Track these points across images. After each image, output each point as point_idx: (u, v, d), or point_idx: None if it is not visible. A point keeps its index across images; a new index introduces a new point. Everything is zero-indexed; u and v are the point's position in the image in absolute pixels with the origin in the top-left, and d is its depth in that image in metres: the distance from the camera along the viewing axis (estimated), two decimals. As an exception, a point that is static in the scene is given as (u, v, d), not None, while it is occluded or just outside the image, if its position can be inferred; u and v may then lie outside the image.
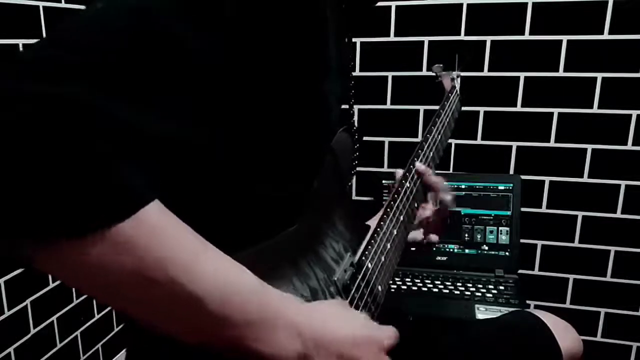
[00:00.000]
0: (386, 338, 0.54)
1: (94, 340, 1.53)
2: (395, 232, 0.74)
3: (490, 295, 1.28)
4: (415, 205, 0.81)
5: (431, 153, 0.87)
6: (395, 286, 1.34)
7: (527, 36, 1.43)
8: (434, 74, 1.10)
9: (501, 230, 1.41)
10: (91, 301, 1.51)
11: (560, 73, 1.43)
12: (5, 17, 1.16)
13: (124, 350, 1.64)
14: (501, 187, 1.42)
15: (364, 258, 0.65)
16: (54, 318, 1.37)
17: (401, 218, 0.76)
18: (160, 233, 0.40)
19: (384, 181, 1.51)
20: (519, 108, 1.48)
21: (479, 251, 1.42)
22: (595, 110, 1.43)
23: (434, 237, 0.87)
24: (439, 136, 0.91)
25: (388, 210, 0.74)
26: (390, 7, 1.51)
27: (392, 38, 1.53)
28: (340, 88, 0.62)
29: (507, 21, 1.44)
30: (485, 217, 1.42)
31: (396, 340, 0.55)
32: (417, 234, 0.87)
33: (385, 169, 1.62)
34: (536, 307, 1.56)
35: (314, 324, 0.48)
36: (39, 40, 0.40)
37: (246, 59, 0.46)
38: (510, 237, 1.41)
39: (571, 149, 1.47)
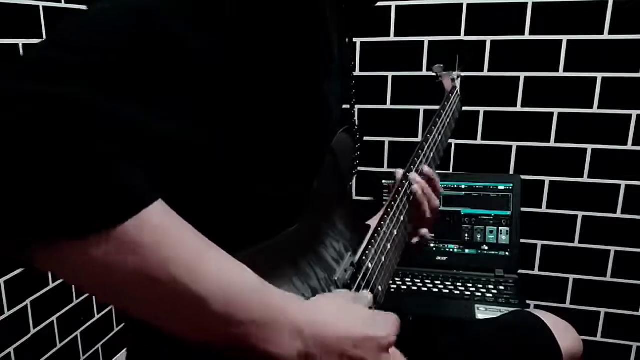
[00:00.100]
0: (387, 335, 0.53)
1: (94, 340, 1.53)
2: (395, 232, 0.74)
3: (490, 295, 1.28)
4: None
5: (431, 153, 0.87)
6: (395, 286, 1.34)
7: (527, 36, 1.43)
8: (434, 74, 1.10)
9: (501, 230, 1.41)
10: (91, 301, 1.51)
11: (560, 73, 1.43)
12: (5, 17, 1.16)
13: (124, 350, 1.64)
14: (501, 187, 1.42)
15: (364, 258, 0.66)
16: (54, 318, 1.37)
17: (401, 218, 0.76)
18: (163, 233, 0.40)
19: (384, 181, 1.51)
20: (519, 108, 1.48)
21: (479, 251, 1.42)
22: (595, 110, 1.43)
23: (424, 231, 0.84)
24: (440, 136, 0.91)
25: (388, 210, 0.74)
26: (390, 7, 1.51)
27: (392, 38, 1.53)
28: (340, 88, 0.62)
29: (507, 21, 1.44)
30: (485, 217, 1.42)
31: (397, 331, 0.55)
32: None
33: (385, 169, 1.62)
34: (536, 307, 1.56)
35: (316, 323, 0.48)
36: (41, 41, 0.40)
37: (246, 59, 0.46)
38: (510, 237, 1.41)
39: (571, 149, 1.47)
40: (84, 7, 1.36)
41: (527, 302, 1.47)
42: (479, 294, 1.28)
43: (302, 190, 0.57)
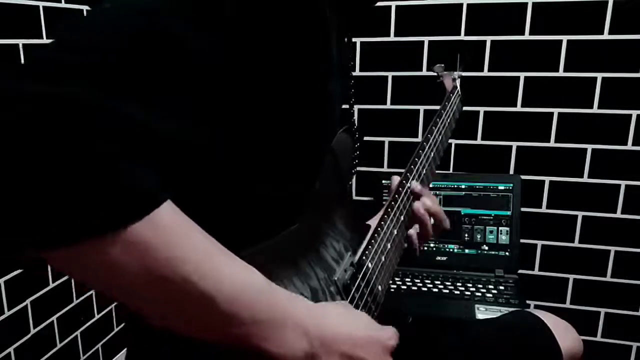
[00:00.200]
0: (389, 339, 0.54)
1: (94, 340, 1.53)
2: (395, 232, 0.74)
3: (490, 295, 1.28)
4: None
5: (432, 153, 0.87)
6: (395, 286, 1.34)
7: (527, 36, 1.43)
8: (434, 74, 1.10)
9: (501, 230, 1.41)
10: (91, 301, 1.51)
11: (560, 73, 1.43)
12: (5, 17, 1.16)
13: (124, 350, 1.64)
14: (501, 187, 1.42)
15: (364, 258, 0.66)
16: (54, 318, 1.37)
17: (401, 218, 0.76)
18: (173, 233, 0.40)
19: (384, 181, 1.51)
20: (519, 108, 1.48)
21: (479, 251, 1.42)
22: (595, 110, 1.43)
23: (411, 231, 0.81)
24: (440, 136, 0.91)
25: (388, 210, 0.74)
26: (390, 7, 1.51)
27: (392, 38, 1.53)
28: (340, 88, 0.62)
29: (507, 21, 1.44)
30: (485, 217, 1.42)
31: (397, 341, 0.56)
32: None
33: (385, 169, 1.62)
34: (536, 307, 1.56)
35: (322, 325, 0.49)
36: (46, 46, 0.40)
37: (246, 59, 0.46)
38: (510, 237, 1.41)
39: (571, 149, 1.47)
40: (84, 7, 1.36)
41: (527, 302, 1.47)
42: (479, 294, 1.28)
43: (303, 190, 0.57)
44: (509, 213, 1.41)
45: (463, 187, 1.44)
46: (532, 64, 1.45)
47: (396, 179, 0.81)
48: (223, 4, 0.45)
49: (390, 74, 1.56)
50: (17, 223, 0.35)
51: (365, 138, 1.61)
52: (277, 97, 0.50)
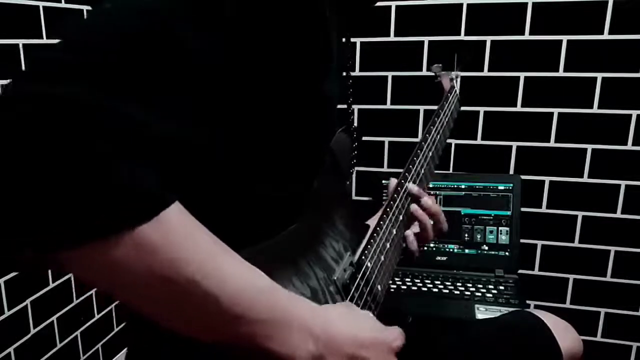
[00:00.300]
0: (394, 340, 0.55)
1: (94, 340, 1.53)
2: (394, 231, 0.74)
3: (490, 295, 1.28)
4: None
5: (430, 153, 0.87)
6: (395, 286, 1.34)
7: (527, 36, 1.43)
8: (433, 74, 1.10)
9: (501, 230, 1.41)
10: (91, 301, 1.51)
11: (560, 73, 1.43)
12: (5, 17, 1.16)
13: (124, 350, 1.64)
14: (501, 187, 1.42)
15: (363, 257, 0.66)
16: (54, 318, 1.37)
17: (400, 217, 0.76)
18: (181, 234, 0.40)
19: (383, 181, 1.51)
20: (519, 108, 1.48)
21: (479, 251, 1.42)
22: (595, 110, 1.43)
23: (410, 237, 0.80)
24: (438, 136, 0.91)
25: (387, 210, 0.74)
26: (390, 7, 1.51)
27: (392, 38, 1.53)
28: (339, 88, 0.62)
29: (507, 21, 1.44)
30: (485, 217, 1.42)
31: (403, 341, 0.56)
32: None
33: (385, 169, 1.62)
34: (536, 307, 1.56)
35: (327, 326, 0.49)
36: (49, 47, 0.41)
37: (246, 59, 0.46)
38: (510, 237, 1.41)
39: (571, 149, 1.47)
40: (84, 7, 1.37)
41: (527, 302, 1.47)
42: (479, 294, 1.28)
43: (302, 190, 0.57)
44: (509, 213, 1.41)
45: (463, 187, 1.44)
46: (532, 64, 1.45)
47: (394, 181, 0.81)
48: (223, 4, 0.45)
49: (390, 74, 1.56)
50: (22, 224, 0.35)
51: (365, 138, 1.61)
52: (277, 97, 0.50)
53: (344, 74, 0.73)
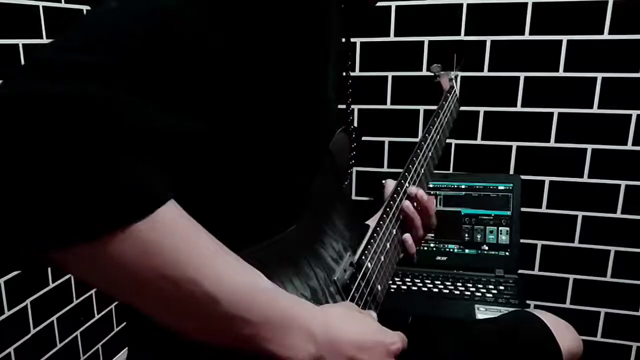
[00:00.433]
0: (394, 343, 0.54)
1: (94, 340, 1.53)
2: (394, 231, 0.74)
3: (490, 295, 1.28)
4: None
5: (429, 153, 0.87)
6: (395, 286, 1.34)
7: (527, 36, 1.43)
8: (432, 74, 1.10)
9: (501, 230, 1.41)
10: (91, 301, 1.51)
11: (560, 73, 1.43)
12: (5, 17, 1.16)
13: (124, 350, 1.64)
14: (501, 187, 1.42)
15: (363, 257, 0.65)
16: (54, 318, 1.37)
17: (400, 217, 0.76)
18: (176, 233, 0.40)
19: (383, 181, 1.51)
20: (519, 108, 1.48)
21: (479, 251, 1.42)
22: (595, 110, 1.43)
23: (408, 241, 0.79)
24: (437, 136, 0.91)
25: (387, 209, 0.74)
26: (390, 7, 1.51)
27: (392, 38, 1.53)
28: (338, 88, 0.62)
29: (507, 21, 1.44)
30: (485, 217, 1.42)
31: (404, 345, 0.56)
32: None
33: (385, 169, 1.62)
34: (536, 307, 1.56)
35: (327, 328, 0.49)
36: (53, 41, 0.41)
37: (248, 58, 0.47)
38: (510, 237, 1.41)
39: (571, 149, 1.47)
40: (84, 7, 1.37)
41: (527, 302, 1.47)
42: (479, 294, 1.28)
43: (302, 190, 0.57)
44: (509, 213, 1.41)
45: (463, 187, 1.44)
46: (532, 64, 1.45)
47: (390, 182, 0.81)
48: (227, 3, 0.45)
49: (390, 74, 1.56)
50: (15, 223, 0.35)
51: (365, 138, 1.61)
52: (276, 96, 0.50)
53: (344, 74, 0.73)
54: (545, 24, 1.41)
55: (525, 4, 1.42)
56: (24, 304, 1.27)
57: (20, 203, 0.35)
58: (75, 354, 1.46)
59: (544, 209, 1.52)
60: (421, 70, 1.53)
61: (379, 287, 0.67)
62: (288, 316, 0.46)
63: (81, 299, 1.46)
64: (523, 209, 1.46)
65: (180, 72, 0.42)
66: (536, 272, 1.55)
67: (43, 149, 0.35)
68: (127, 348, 0.56)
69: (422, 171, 0.83)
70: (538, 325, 0.88)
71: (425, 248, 1.44)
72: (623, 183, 1.45)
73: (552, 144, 1.48)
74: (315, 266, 0.57)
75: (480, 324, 1.03)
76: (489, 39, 1.46)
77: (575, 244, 1.51)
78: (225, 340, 0.44)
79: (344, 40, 0.69)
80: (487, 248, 1.42)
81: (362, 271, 0.64)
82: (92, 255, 0.37)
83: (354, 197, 1.66)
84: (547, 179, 1.50)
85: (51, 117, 0.35)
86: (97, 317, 1.53)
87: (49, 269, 1.34)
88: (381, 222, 0.71)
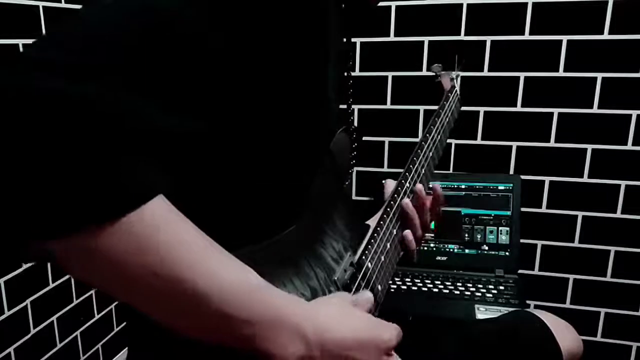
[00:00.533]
0: (388, 340, 0.54)
1: (94, 340, 1.53)
2: (395, 231, 0.74)
3: (490, 295, 1.28)
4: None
5: (430, 153, 0.87)
6: (395, 286, 1.34)
7: (527, 36, 1.43)
8: (433, 74, 1.10)
9: (501, 230, 1.41)
10: (91, 301, 1.51)
11: (560, 73, 1.43)
12: (5, 17, 1.16)
13: (124, 350, 1.64)
14: (501, 187, 1.42)
15: (363, 257, 0.65)
16: (54, 318, 1.37)
17: (401, 218, 0.76)
18: (164, 228, 0.40)
19: (383, 181, 1.51)
20: (519, 108, 1.48)
21: (479, 251, 1.42)
22: (595, 110, 1.43)
23: (408, 236, 0.78)
24: (438, 136, 0.91)
25: (388, 209, 0.74)
26: (390, 7, 1.51)
27: (392, 38, 1.53)
28: (338, 88, 0.62)
29: (507, 21, 1.44)
30: (485, 217, 1.42)
31: (399, 338, 0.55)
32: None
33: (385, 169, 1.62)
34: (536, 307, 1.56)
35: (319, 326, 0.48)
36: (45, 36, 0.40)
37: (247, 57, 0.47)
38: (510, 237, 1.41)
39: (571, 149, 1.47)
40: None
41: (527, 302, 1.47)
42: (479, 294, 1.28)
43: (302, 190, 0.57)
44: (509, 213, 1.41)
45: (463, 187, 1.44)
46: (532, 64, 1.45)
47: (390, 183, 0.81)
48: (225, 3, 0.45)
49: (390, 74, 1.56)
50: (11, 213, 0.36)
51: (365, 138, 1.61)
52: (275, 96, 0.50)
53: (345, 74, 0.73)
54: (545, 24, 1.41)
55: (525, 4, 1.42)
56: (24, 304, 1.27)
57: (10, 195, 0.35)
58: (75, 354, 1.46)
59: (544, 209, 1.52)
60: (421, 70, 1.53)
61: (379, 287, 0.67)
62: (279, 314, 0.46)
63: (81, 299, 1.46)
64: (523, 209, 1.46)
65: (181, 72, 0.42)
66: (536, 272, 1.55)
67: (38, 142, 0.35)
68: (127, 348, 0.56)
69: (423, 171, 0.83)
70: (538, 325, 0.88)
71: (425, 248, 1.44)
72: (623, 183, 1.45)
73: (552, 144, 1.48)
74: (316, 266, 0.57)
75: (480, 324, 1.03)
76: (489, 39, 1.46)
77: (575, 244, 1.51)
78: (216, 338, 0.44)
79: (344, 40, 0.69)
80: (487, 248, 1.42)
81: (362, 271, 0.64)
82: (81, 247, 0.37)
83: (354, 197, 1.66)
84: (547, 179, 1.50)
85: (48, 113, 0.35)
86: (97, 317, 1.53)
87: (49, 268, 1.34)
88: (381, 222, 0.71)
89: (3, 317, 1.22)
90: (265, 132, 0.51)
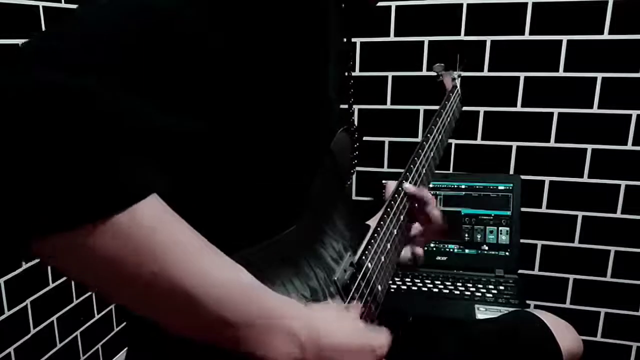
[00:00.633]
0: (380, 347, 0.54)
1: (94, 340, 1.53)
2: (395, 232, 0.74)
3: (490, 295, 1.28)
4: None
5: (431, 153, 0.87)
6: (395, 286, 1.34)
7: (527, 36, 1.43)
8: (434, 74, 1.10)
9: (501, 230, 1.41)
10: (91, 301, 1.51)
11: (560, 73, 1.43)
12: (5, 17, 1.16)
13: (124, 350, 1.64)
14: (501, 187, 1.42)
15: (364, 258, 0.65)
16: (54, 318, 1.37)
17: (401, 218, 0.76)
18: (157, 228, 0.40)
19: (383, 181, 1.51)
20: (519, 108, 1.48)
21: (479, 251, 1.42)
22: (595, 110, 1.43)
23: (418, 251, 0.82)
24: (440, 136, 0.91)
25: (388, 210, 0.74)
26: (390, 7, 1.51)
27: (392, 38, 1.53)
28: (339, 88, 0.62)
29: (507, 21, 1.44)
30: (485, 217, 1.42)
31: (389, 345, 0.55)
32: (405, 252, 0.83)
33: (385, 169, 1.62)
34: (536, 307, 1.56)
35: (311, 330, 0.48)
36: (46, 33, 0.40)
37: (246, 57, 0.47)
38: (510, 237, 1.41)
39: (571, 149, 1.47)
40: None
41: (527, 302, 1.47)
42: (479, 294, 1.28)
43: (302, 190, 0.57)
44: (509, 213, 1.41)
45: (463, 187, 1.44)
46: (532, 64, 1.45)
47: (391, 183, 0.81)
48: (225, 2, 0.45)
49: (390, 74, 1.56)
50: (2, 209, 0.36)
51: (365, 138, 1.61)
52: (275, 96, 0.50)
53: (346, 74, 0.73)
54: (545, 24, 1.41)
55: (525, 4, 1.42)
56: (24, 304, 1.27)
57: (2, 191, 0.35)
58: (75, 354, 1.46)
59: (544, 209, 1.52)
60: (421, 70, 1.53)
61: (379, 287, 0.67)
62: (272, 316, 0.46)
63: (81, 299, 1.46)
64: (523, 209, 1.46)
65: (180, 72, 0.42)
66: (536, 272, 1.55)
67: (37, 137, 0.35)
68: (126, 348, 0.56)
69: (424, 171, 0.83)
70: (538, 325, 0.88)
71: (425, 248, 1.44)
72: (623, 183, 1.45)
73: (552, 144, 1.48)
74: (315, 266, 0.57)
75: (480, 324, 1.03)
76: (489, 39, 1.46)
77: (575, 244, 1.51)
78: (210, 338, 0.44)
79: (344, 40, 0.69)
80: (487, 248, 1.42)
81: (362, 271, 0.64)
82: (73, 246, 0.37)
83: (354, 197, 1.66)
84: (547, 179, 1.50)
85: (48, 105, 0.35)
86: (97, 317, 1.53)
87: (49, 268, 1.34)
88: (382, 222, 0.71)
89: (3, 317, 1.22)
90: (265, 132, 0.51)
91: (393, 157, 1.60)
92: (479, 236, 1.42)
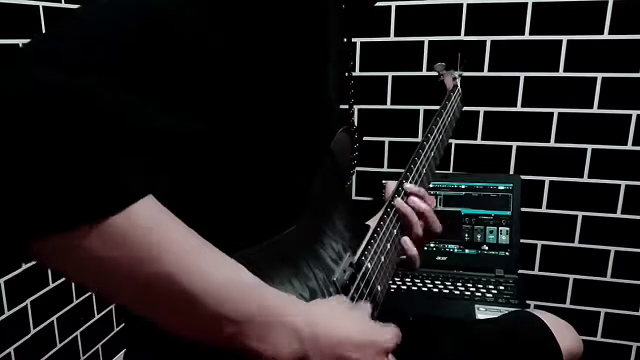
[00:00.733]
0: (386, 341, 0.53)
1: (94, 340, 1.53)
2: (395, 232, 0.74)
3: (490, 295, 1.28)
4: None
5: (432, 152, 0.87)
6: (395, 286, 1.34)
7: (527, 36, 1.43)
8: (435, 74, 1.10)
9: (501, 230, 1.41)
10: (91, 301, 1.51)
11: (560, 73, 1.43)
12: (5, 17, 1.16)
13: (124, 351, 1.64)
14: (501, 187, 1.42)
15: (363, 258, 0.65)
16: (54, 318, 1.37)
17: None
18: (153, 228, 0.40)
19: (383, 181, 1.51)
20: (519, 108, 1.48)
21: (479, 251, 1.42)
22: (595, 110, 1.43)
23: (412, 253, 0.77)
24: (440, 135, 0.91)
25: (388, 210, 0.74)
26: (390, 7, 1.51)
27: (392, 38, 1.53)
28: (339, 88, 0.62)
29: (507, 21, 1.44)
30: (485, 217, 1.42)
31: (398, 340, 0.55)
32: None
33: (385, 169, 1.62)
34: (536, 307, 1.56)
35: (313, 325, 0.48)
36: (46, 34, 0.40)
37: (246, 57, 0.47)
38: (510, 237, 1.41)
39: (571, 149, 1.47)
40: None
41: (527, 302, 1.47)
42: (479, 294, 1.28)
43: (302, 190, 0.57)
44: (509, 213, 1.41)
45: (463, 187, 1.44)
46: (532, 64, 1.45)
47: (391, 184, 0.81)
48: (225, 2, 0.45)
49: (390, 74, 1.56)
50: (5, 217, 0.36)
51: (365, 138, 1.61)
52: (275, 96, 0.50)
53: (346, 74, 0.73)
54: (545, 24, 1.41)
55: (525, 4, 1.42)
56: (24, 304, 1.27)
57: (2, 191, 0.35)
58: (75, 354, 1.46)
59: (544, 209, 1.52)
60: (421, 70, 1.53)
61: (378, 287, 0.67)
62: (272, 313, 0.46)
63: (81, 299, 1.46)
64: (523, 209, 1.46)
65: (180, 72, 0.42)
66: (536, 272, 1.55)
67: (37, 137, 0.35)
68: (125, 348, 0.56)
69: (424, 171, 0.83)
70: (538, 325, 0.88)
71: (425, 248, 1.44)
72: (623, 183, 1.45)
73: (552, 144, 1.48)
74: (315, 267, 0.57)
75: (480, 324, 1.03)
76: (489, 39, 1.46)
77: (575, 244, 1.51)
78: (209, 337, 0.44)
79: (344, 40, 0.69)
80: (487, 248, 1.42)
81: (362, 272, 0.64)
82: (71, 247, 0.37)
83: (354, 197, 1.66)
84: (547, 179, 1.50)
85: (48, 105, 0.35)
86: (97, 317, 1.53)
87: (49, 269, 1.34)
88: (381, 223, 0.71)
89: (3, 317, 1.22)
90: (265, 132, 0.51)
91: (393, 157, 1.60)
92: (479, 236, 1.42)
